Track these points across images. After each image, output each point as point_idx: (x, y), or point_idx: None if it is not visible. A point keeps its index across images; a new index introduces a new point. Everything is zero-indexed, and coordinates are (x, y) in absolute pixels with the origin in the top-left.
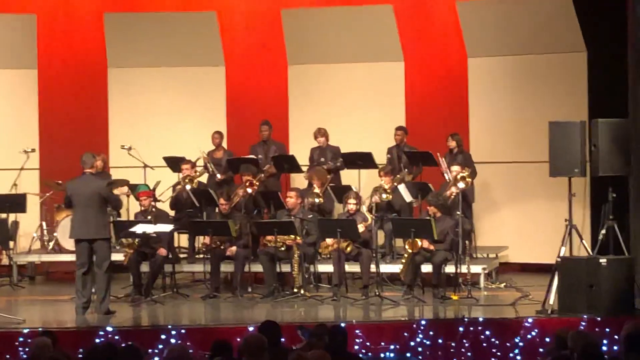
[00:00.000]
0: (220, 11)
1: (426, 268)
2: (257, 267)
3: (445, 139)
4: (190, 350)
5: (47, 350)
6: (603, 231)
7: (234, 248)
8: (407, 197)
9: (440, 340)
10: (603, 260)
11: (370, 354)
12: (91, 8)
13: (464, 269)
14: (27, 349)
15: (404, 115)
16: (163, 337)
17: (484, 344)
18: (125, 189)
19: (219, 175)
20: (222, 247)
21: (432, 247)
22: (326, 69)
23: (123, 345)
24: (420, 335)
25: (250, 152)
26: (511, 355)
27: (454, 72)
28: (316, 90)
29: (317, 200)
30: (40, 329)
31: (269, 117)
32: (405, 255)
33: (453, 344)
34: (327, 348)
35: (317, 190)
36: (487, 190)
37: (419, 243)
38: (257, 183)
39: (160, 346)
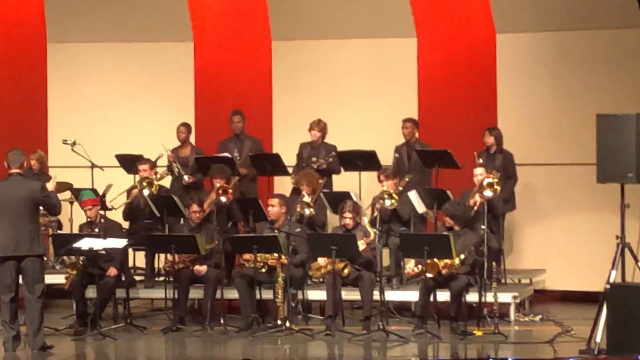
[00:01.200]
0: None
1: (443, 296)
2: (232, 293)
3: (469, 133)
4: None
5: None
6: None
7: (203, 268)
8: (420, 207)
9: None
10: None
11: None
12: None
13: (489, 297)
14: None
15: (416, 105)
16: None
17: None
18: (63, 194)
19: (186, 177)
20: (188, 268)
21: (456, 264)
22: (319, 46)
23: None
24: None
25: (219, 150)
26: None
27: (478, 51)
28: (306, 72)
29: (307, 210)
30: None
31: (248, 106)
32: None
33: None
34: None
35: (306, 198)
36: (518, 200)
37: (440, 264)
38: (232, 189)
39: None
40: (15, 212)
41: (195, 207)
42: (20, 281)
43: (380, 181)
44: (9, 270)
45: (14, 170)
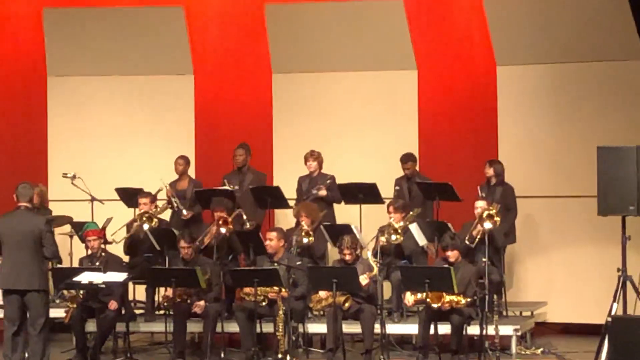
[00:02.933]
0: (189, 6)
1: (444, 329)
2: (232, 327)
3: (469, 165)
4: None
5: None
6: None
7: (202, 303)
8: (421, 240)
9: None
10: None
11: None
12: (27, 1)
13: (491, 330)
14: None
15: (417, 137)
16: None
17: None
18: (63, 228)
19: (184, 212)
20: (188, 302)
21: (462, 304)
22: (319, 78)
23: None
24: None
25: (223, 183)
26: None
27: (479, 83)
28: (307, 105)
29: (305, 239)
30: None
31: (249, 139)
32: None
33: None
34: None
35: (306, 227)
36: (519, 232)
37: (445, 299)
38: (232, 221)
39: None
40: (19, 246)
41: (182, 243)
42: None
43: (388, 212)
44: (12, 304)
45: (21, 204)
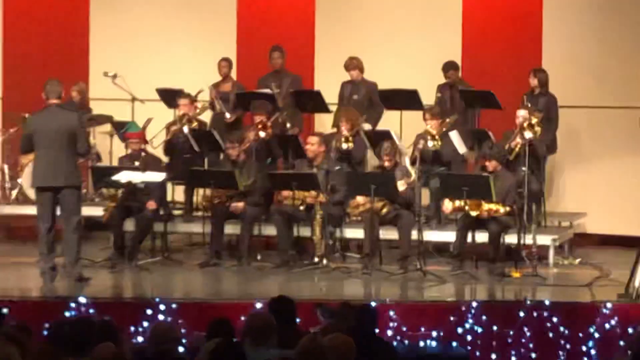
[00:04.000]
0: None
1: (481, 237)
2: (270, 230)
3: (512, 74)
4: (183, 330)
5: None
6: None
7: (241, 204)
8: (461, 148)
9: (495, 328)
10: None
11: (406, 341)
12: None
13: (528, 239)
14: None
15: (460, 45)
16: (149, 312)
17: (550, 334)
18: (103, 127)
19: (228, 115)
20: (226, 204)
21: (500, 212)
22: None
23: (98, 320)
24: (471, 321)
25: (259, 86)
26: (584, 348)
27: None
28: (350, 9)
29: (344, 145)
30: None
31: (290, 42)
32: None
33: (511, 333)
34: (351, 332)
35: (346, 132)
36: (560, 142)
37: (484, 208)
38: (272, 125)
39: (145, 323)
40: (52, 143)
41: (229, 144)
42: (58, 212)
43: (425, 119)
44: (46, 201)
45: (52, 101)
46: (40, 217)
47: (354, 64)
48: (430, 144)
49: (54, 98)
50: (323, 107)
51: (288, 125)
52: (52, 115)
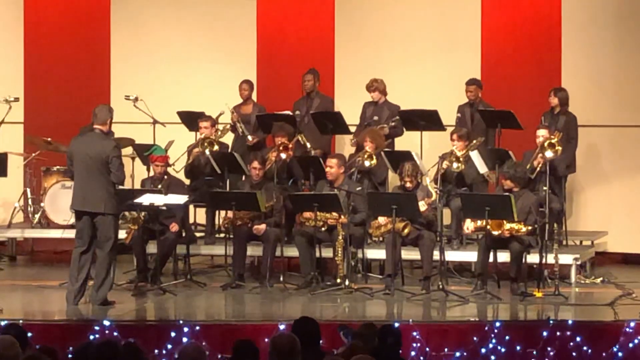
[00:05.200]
0: None
1: (503, 257)
2: (292, 251)
3: (532, 94)
4: (207, 352)
5: (13, 350)
6: None
7: (262, 226)
8: (482, 168)
9: (518, 348)
10: None
11: None
12: None
13: (550, 259)
14: None
15: (479, 65)
16: (173, 334)
17: (574, 353)
18: (125, 150)
19: (250, 137)
20: (248, 225)
21: (522, 232)
22: (383, 4)
23: (123, 343)
24: (494, 341)
25: (294, 110)
26: None
27: (543, 10)
28: (370, 31)
29: (367, 162)
30: (20, 321)
31: (310, 65)
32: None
33: (534, 352)
34: (375, 353)
35: (369, 150)
36: (581, 161)
37: (506, 227)
38: (293, 146)
39: (169, 346)
40: (88, 168)
41: (256, 164)
42: None
43: (452, 140)
44: (81, 225)
45: (97, 126)
46: (77, 237)
47: (374, 85)
48: (454, 165)
49: (99, 124)
50: (344, 129)
51: (309, 146)
52: (91, 140)
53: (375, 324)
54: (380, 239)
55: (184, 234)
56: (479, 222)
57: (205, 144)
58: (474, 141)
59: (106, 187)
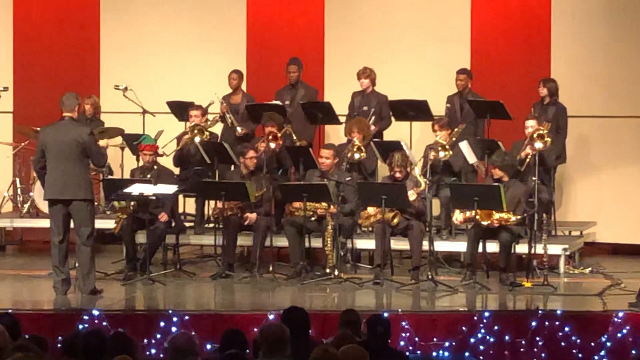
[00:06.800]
0: None
1: (492, 247)
2: (281, 241)
3: (521, 84)
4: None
5: (2, 339)
6: None
7: (253, 216)
8: (471, 158)
9: (507, 337)
10: None
11: (419, 351)
12: None
13: (539, 249)
14: None
15: (469, 56)
16: (162, 324)
17: (562, 343)
18: (114, 140)
19: (239, 129)
20: (238, 215)
21: (511, 222)
22: None
23: (112, 333)
24: (483, 330)
25: (276, 99)
26: (596, 357)
27: (532, 1)
28: (359, 21)
29: (357, 155)
30: (9, 311)
31: (300, 54)
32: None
33: (523, 342)
34: (365, 343)
35: (357, 142)
36: (570, 152)
37: (495, 217)
38: (282, 136)
39: (159, 335)
40: (63, 156)
41: (252, 153)
42: (72, 225)
43: (434, 130)
44: (57, 214)
45: (65, 114)
46: (52, 230)
47: (366, 73)
48: (441, 154)
49: (68, 111)
50: (333, 119)
51: (294, 137)
52: (64, 128)
53: (355, 310)
54: (370, 229)
55: (173, 224)
56: (467, 213)
57: (196, 131)
58: (456, 129)
59: (84, 174)
